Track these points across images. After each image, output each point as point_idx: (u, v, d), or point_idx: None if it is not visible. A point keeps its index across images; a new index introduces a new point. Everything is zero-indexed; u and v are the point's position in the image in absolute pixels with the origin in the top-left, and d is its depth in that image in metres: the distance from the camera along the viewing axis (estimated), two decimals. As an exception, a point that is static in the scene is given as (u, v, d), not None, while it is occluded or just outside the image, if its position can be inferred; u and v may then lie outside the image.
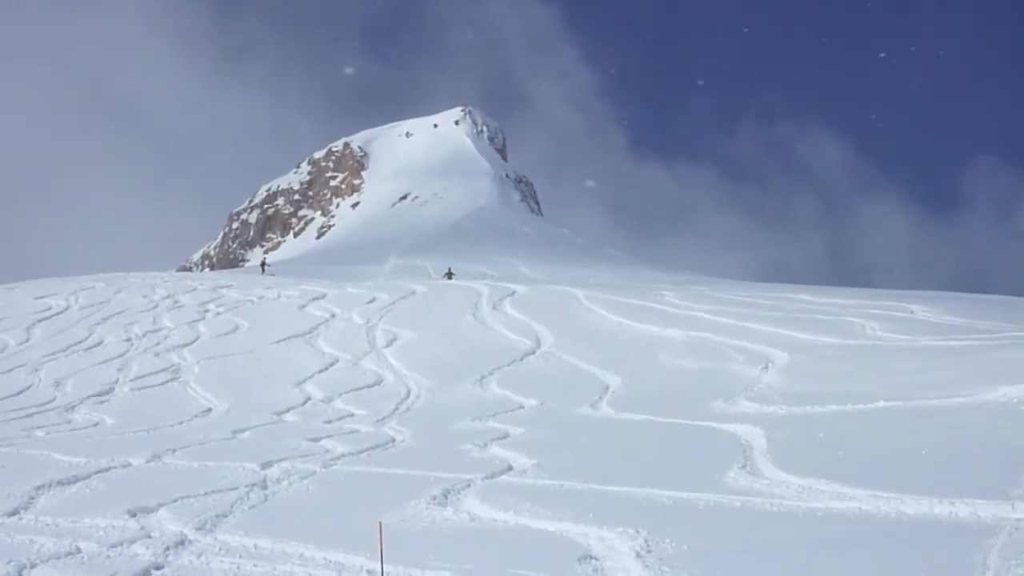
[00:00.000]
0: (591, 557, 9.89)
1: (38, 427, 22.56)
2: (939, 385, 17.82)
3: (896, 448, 13.94)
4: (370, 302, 41.61)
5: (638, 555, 9.77)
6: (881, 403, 17.28)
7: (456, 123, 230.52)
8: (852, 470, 12.47)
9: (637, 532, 10.49)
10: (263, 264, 68.85)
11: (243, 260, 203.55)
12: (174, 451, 18.20)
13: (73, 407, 25.78)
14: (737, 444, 15.59)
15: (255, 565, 10.42)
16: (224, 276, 64.90)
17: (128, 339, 36.76)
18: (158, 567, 10.57)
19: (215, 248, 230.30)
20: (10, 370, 32.41)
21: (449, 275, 57.75)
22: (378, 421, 21.73)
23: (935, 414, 15.96)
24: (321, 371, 28.99)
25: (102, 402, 26.35)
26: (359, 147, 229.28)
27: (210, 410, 24.57)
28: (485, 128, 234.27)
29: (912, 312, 29.52)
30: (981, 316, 27.61)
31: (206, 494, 14.00)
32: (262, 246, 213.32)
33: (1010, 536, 9.22)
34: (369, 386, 26.53)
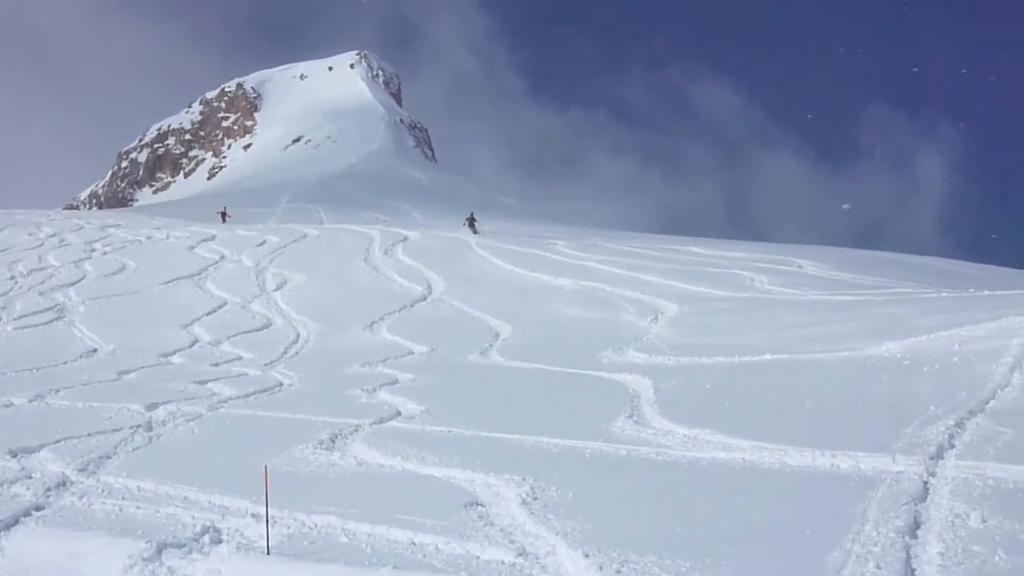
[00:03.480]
0: (477, 503, 9.91)
1: (-85, 365, 22.05)
2: (824, 339, 18.20)
3: (781, 400, 14.20)
4: (260, 244, 41.28)
5: (524, 502, 9.81)
6: (768, 356, 17.61)
7: (351, 66, 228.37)
8: (737, 421, 12.66)
9: (523, 479, 10.54)
10: (223, 214, 61.72)
11: (132, 200, 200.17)
12: (58, 391, 17.91)
13: (-47, 346, 25.20)
14: (625, 394, 15.75)
15: (138, 507, 10.27)
16: (112, 215, 63.79)
17: (12, 277, 36.00)
18: (39, 508, 10.37)
19: (103, 187, 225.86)
20: None
21: (472, 221, 50.44)
22: (266, 365, 21.57)
23: (820, 367, 16.31)
24: (209, 313, 28.67)
25: (-17, 341, 25.79)
26: (252, 88, 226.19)
27: (95, 351, 24.18)
28: (380, 72, 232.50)
29: (800, 266, 30.14)
30: (867, 272, 28.30)
31: (90, 435, 13.79)
32: (151, 186, 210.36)
33: (890, 488, 9.41)
34: (258, 329, 26.32)
